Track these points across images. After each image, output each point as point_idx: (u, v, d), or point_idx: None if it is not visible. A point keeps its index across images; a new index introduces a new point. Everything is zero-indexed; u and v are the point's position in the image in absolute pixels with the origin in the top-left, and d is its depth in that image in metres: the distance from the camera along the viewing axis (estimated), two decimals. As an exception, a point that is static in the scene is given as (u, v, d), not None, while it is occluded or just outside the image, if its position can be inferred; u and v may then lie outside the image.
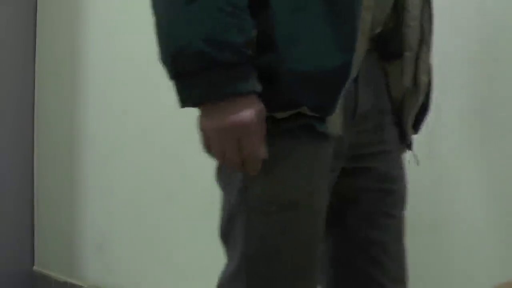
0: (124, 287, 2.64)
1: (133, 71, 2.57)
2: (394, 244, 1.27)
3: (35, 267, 3.03)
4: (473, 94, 1.67)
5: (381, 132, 1.24)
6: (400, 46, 1.23)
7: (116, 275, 2.68)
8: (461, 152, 1.68)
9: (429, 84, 1.30)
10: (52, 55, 2.96)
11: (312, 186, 1.11)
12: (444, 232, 1.73)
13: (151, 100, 2.49)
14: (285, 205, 1.09)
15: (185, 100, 1.04)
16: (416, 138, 1.34)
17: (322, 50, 1.05)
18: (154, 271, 2.51)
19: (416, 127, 1.32)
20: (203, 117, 1.06)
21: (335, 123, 1.11)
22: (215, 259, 2.25)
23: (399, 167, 1.30)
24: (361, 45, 1.11)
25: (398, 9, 1.21)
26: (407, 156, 1.35)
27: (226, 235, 1.17)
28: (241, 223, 1.12)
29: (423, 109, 1.31)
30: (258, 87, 1.03)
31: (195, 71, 1.00)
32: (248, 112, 1.02)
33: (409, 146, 1.32)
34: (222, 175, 1.17)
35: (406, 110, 1.27)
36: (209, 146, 1.07)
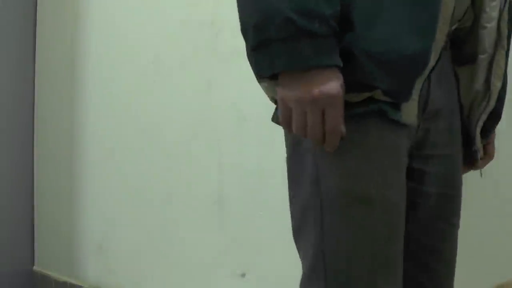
0: (124, 287, 2.64)
1: (133, 71, 2.57)
2: (449, 253, 1.25)
3: (35, 267, 3.03)
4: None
5: (451, 135, 1.21)
6: (474, 48, 1.20)
7: (116, 275, 2.68)
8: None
9: (502, 89, 1.25)
10: (52, 55, 2.97)
11: (385, 178, 1.06)
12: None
13: (151, 100, 2.49)
14: (358, 199, 1.05)
15: (266, 70, 1.00)
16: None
17: (402, 33, 1.02)
18: (154, 271, 2.51)
19: (485, 135, 1.29)
20: (284, 88, 1.01)
21: (410, 112, 1.08)
22: (215, 259, 2.26)
23: (460, 173, 1.26)
24: (441, 34, 1.09)
25: (475, 9, 1.18)
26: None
27: (299, 230, 1.12)
28: (315, 218, 1.08)
29: (494, 116, 1.27)
30: (340, 62, 1.00)
31: (281, 39, 0.97)
32: (335, 84, 0.99)
33: (474, 154, 1.28)
34: (293, 166, 1.12)
35: (475, 116, 1.24)
36: (289, 119, 1.02)
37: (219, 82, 2.24)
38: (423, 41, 1.03)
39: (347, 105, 1.02)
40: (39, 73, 3.01)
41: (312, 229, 1.08)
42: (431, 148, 1.18)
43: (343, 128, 1.02)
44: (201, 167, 2.30)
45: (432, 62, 1.09)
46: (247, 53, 1.05)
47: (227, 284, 2.20)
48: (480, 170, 1.32)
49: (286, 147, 1.14)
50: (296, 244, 1.14)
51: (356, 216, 1.06)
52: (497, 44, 1.21)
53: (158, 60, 2.46)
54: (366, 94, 1.03)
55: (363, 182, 1.05)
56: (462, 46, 1.20)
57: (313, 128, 1.01)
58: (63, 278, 2.89)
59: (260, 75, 1.03)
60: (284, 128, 1.04)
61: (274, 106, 1.13)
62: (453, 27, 1.16)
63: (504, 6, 1.20)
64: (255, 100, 2.13)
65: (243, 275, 2.16)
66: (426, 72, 1.08)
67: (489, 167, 1.37)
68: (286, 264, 2.03)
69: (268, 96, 1.13)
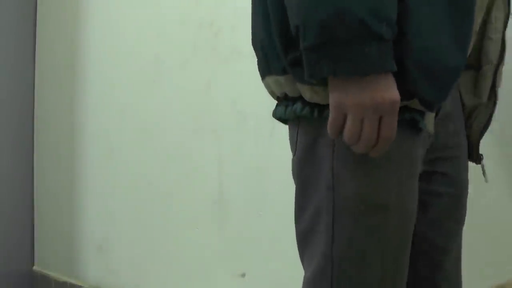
0: (124, 287, 2.64)
1: (133, 71, 2.57)
2: (457, 251, 1.25)
3: (35, 267, 3.03)
4: None
5: (458, 137, 1.23)
6: (476, 58, 1.21)
7: (116, 275, 2.68)
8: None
9: None
10: (52, 55, 2.97)
11: (402, 187, 1.06)
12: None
13: (151, 99, 2.49)
14: (375, 207, 1.04)
15: (323, 72, 0.94)
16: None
17: (448, 45, 1.01)
18: (154, 271, 2.51)
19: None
20: (342, 93, 0.95)
21: (430, 121, 1.08)
22: (215, 259, 2.26)
23: (467, 173, 1.27)
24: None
25: (479, 21, 1.19)
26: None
27: (306, 233, 1.10)
28: (326, 224, 1.06)
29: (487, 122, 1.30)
30: (395, 68, 0.96)
31: (347, 41, 0.91)
32: (395, 90, 0.95)
33: (478, 160, 1.30)
34: (305, 169, 1.09)
35: (477, 123, 1.26)
36: (341, 124, 0.98)
37: (219, 82, 2.24)
38: (462, 54, 1.03)
39: None
40: (39, 73, 3.01)
41: (322, 234, 1.07)
42: (440, 150, 1.18)
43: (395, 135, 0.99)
44: (201, 167, 2.30)
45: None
46: (287, 50, 1.00)
47: (227, 284, 2.20)
48: (485, 176, 1.33)
49: (295, 149, 1.12)
50: (299, 248, 1.13)
51: (371, 224, 1.05)
52: (501, 55, 1.22)
53: (158, 60, 2.46)
54: (404, 103, 1.00)
55: (382, 190, 1.05)
56: None
57: (369, 134, 0.96)
58: (63, 278, 2.89)
59: (313, 78, 0.96)
60: (330, 133, 0.99)
61: (273, 104, 1.13)
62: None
63: (509, 17, 1.22)
64: (254, 100, 2.13)
65: (243, 275, 2.16)
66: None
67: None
68: (286, 264, 2.03)
69: (274, 92, 1.11)
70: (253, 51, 1.14)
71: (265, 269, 2.11)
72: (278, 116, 1.12)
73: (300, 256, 1.14)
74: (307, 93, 1.03)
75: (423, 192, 1.16)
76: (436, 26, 1.00)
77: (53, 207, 2.97)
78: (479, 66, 1.22)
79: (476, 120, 1.27)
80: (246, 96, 2.14)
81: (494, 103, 1.26)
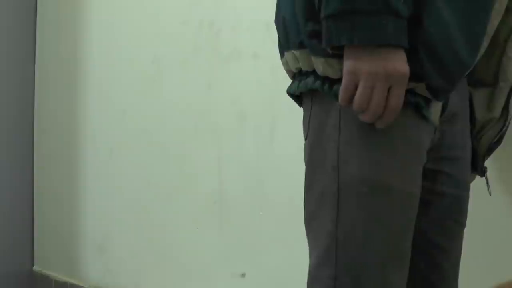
0: (124, 287, 2.64)
1: (133, 71, 2.57)
2: (456, 251, 1.26)
3: (35, 267, 3.03)
4: None
5: (464, 138, 1.24)
6: (493, 75, 1.24)
7: (116, 275, 2.68)
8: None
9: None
10: (52, 55, 2.97)
11: (407, 171, 1.09)
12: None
13: (151, 99, 2.49)
14: (378, 189, 1.07)
15: (343, 39, 1.00)
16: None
17: (459, 39, 1.06)
18: (154, 271, 2.51)
19: (487, 154, 1.33)
20: (357, 61, 1.01)
21: (435, 113, 1.11)
22: (215, 259, 2.26)
23: (469, 174, 1.29)
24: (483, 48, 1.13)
25: (500, 39, 1.22)
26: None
27: (312, 216, 1.12)
28: (331, 204, 1.08)
29: (498, 139, 1.32)
30: (408, 46, 1.03)
31: (367, 12, 0.98)
32: (405, 64, 1.01)
33: (482, 172, 1.32)
34: (314, 152, 1.13)
35: (487, 137, 1.29)
36: (351, 91, 1.03)
37: (219, 82, 2.24)
38: (472, 49, 1.08)
39: None
40: (39, 73, 3.01)
41: (327, 215, 1.09)
42: (445, 150, 1.19)
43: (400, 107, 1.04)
44: (201, 167, 2.30)
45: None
46: (307, 22, 1.05)
47: (227, 284, 2.20)
48: (489, 189, 1.35)
49: (307, 133, 1.14)
50: (307, 231, 1.14)
51: (375, 205, 1.07)
52: None
53: (158, 60, 2.46)
54: (412, 84, 1.05)
55: (385, 172, 1.07)
56: (475, 70, 1.23)
57: (378, 102, 1.02)
58: (63, 278, 2.89)
59: (331, 43, 1.01)
60: (341, 100, 1.04)
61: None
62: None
63: None
64: (254, 100, 2.13)
65: (243, 275, 2.16)
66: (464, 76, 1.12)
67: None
68: (286, 264, 2.03)
69: (291, 69, 1.15)
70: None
71: (265, 269, 2.11)
72: (292, 91, 1.16)
73: (307, 237, 1.15)
74: (320, 66, 1.07)
75: (427, 192, 1.18)
76: (452, 19, 1.04)
77: (53, 207, 2.97)
78: (495, 82, 1.25)
79: (486, 134, 1.29)
80: (246, 96, 2.14)
81: (506, 120, 1.28)
